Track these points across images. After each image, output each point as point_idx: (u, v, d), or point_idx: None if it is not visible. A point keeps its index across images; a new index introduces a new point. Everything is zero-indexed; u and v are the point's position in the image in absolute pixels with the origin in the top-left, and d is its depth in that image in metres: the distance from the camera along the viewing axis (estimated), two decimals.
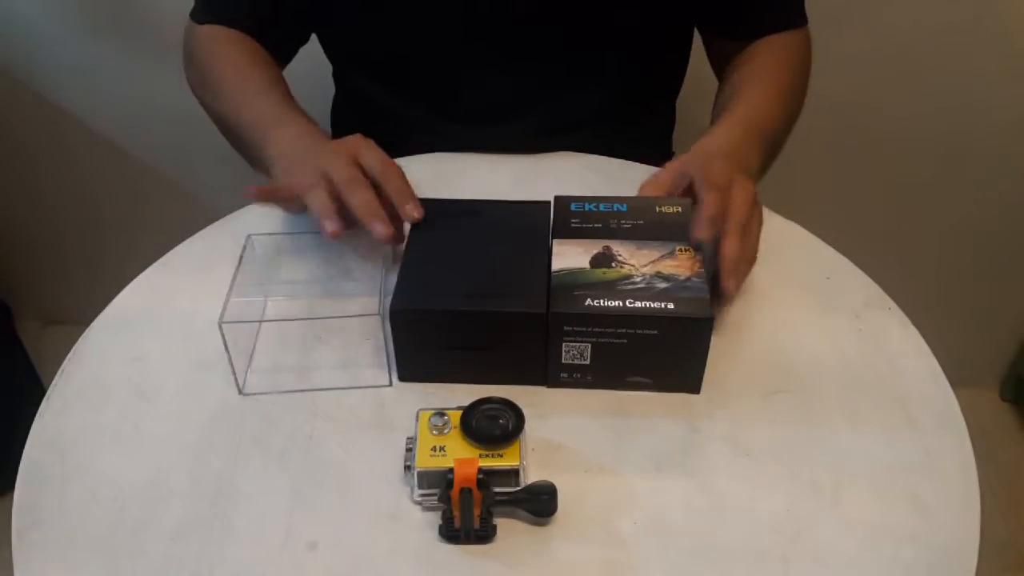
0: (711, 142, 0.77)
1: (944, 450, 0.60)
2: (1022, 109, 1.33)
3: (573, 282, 0.62)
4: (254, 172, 0.82)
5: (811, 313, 0.71)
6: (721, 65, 0.94)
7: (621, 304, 0.60)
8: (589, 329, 0.60)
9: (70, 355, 0.68)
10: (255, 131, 0.79)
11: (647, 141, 0.99)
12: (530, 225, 0.68)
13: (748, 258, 0.67)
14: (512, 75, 0.87)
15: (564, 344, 0.61)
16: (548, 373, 0.63)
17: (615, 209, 0.68)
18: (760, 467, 0.59)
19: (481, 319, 0.61)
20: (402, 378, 0.65)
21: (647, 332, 0.60)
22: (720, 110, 0.85)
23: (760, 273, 0.70)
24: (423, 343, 0.63)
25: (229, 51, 0.88)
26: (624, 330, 0.60)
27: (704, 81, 1.00)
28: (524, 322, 0.61)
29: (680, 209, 0.68)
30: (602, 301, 0.60)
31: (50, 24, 1.32)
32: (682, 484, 0.58)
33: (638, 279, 0.62)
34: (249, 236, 0.69)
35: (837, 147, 1.39)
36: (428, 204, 0.70)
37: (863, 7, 1.25)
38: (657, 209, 0.68)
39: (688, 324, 0.60)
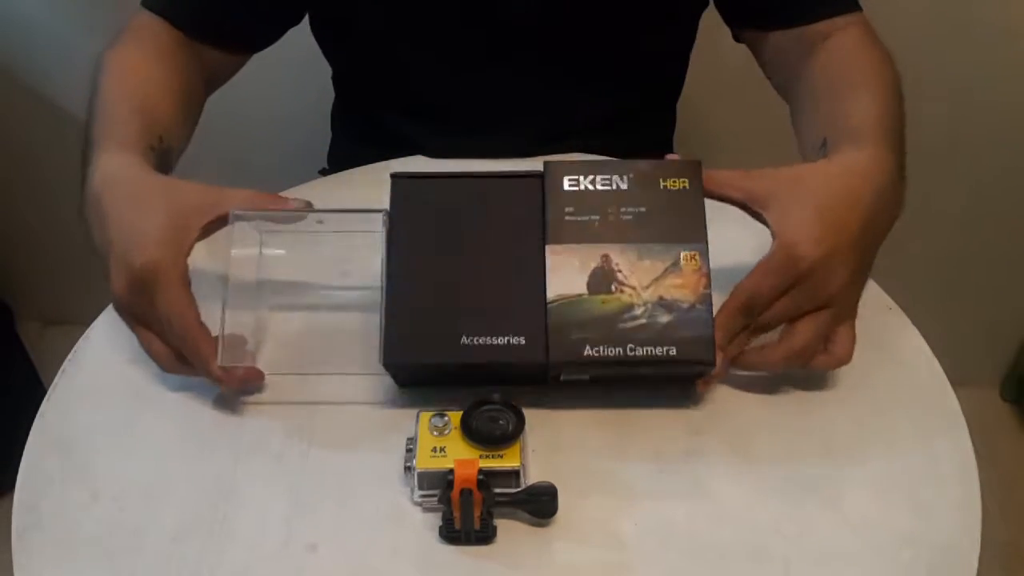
0: (824, 174, 0.62)
1: (944, 450, 0.60)
2: (1022, 108, 1.33)
3: (571, 318, 0.58)
4: (253, 171, 0.82)
5: None
6: (784, 70, 0.83)
7: (621, 352, 0.58)
8: (588, 373, 0.60)
9: (71, 356, 0.68)
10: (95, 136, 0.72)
11: (647, 145, 0.98)
12: (522, 203, 0.62)
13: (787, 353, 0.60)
14: (512, 80, 0.87)
15: (563, 375, 0.61)
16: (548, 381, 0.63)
17: (615, 187, 0.62)
18: (760, 468, 0.59)
19: (480, 369, 0.59)
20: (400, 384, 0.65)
21: (648, 371, 0.60)
22: (825, 128, 0.70)
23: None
24: (420, 380, 0.63)
25: (131, 56, 0.80)
26: (624, 370, 0.59)
27: (704, 83, 1.00)
28: (525, 366, 0.59)
29: (687, 183, 0.61)
30: (601, 349, 0.58)
31: (50, 24, 1.32)
32: (683, 485, 0.58)
33: (639, 310, 0.59)
34: (255, 234, 0.69)
35: None
36: (408, 184, 0.63)
37: (865, 6, 1.25)
38: (661, 184, 0.61)
39: (689, 366, 0.59)
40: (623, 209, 0.61)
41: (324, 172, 1.02)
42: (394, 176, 0.63)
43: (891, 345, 0.68)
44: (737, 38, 0.88)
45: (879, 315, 0.70)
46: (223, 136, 1.40)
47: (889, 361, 0.66)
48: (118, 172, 0.68)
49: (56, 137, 1.44)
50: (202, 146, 1.49)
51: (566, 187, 0.62)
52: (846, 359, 0.61)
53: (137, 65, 0.78)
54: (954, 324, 1.23)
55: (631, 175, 0.62)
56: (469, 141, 0.87)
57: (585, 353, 0.58)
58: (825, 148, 0.68)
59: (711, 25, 0.91)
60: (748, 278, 0.59)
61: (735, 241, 0.64)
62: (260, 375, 0.63)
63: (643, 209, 0.61)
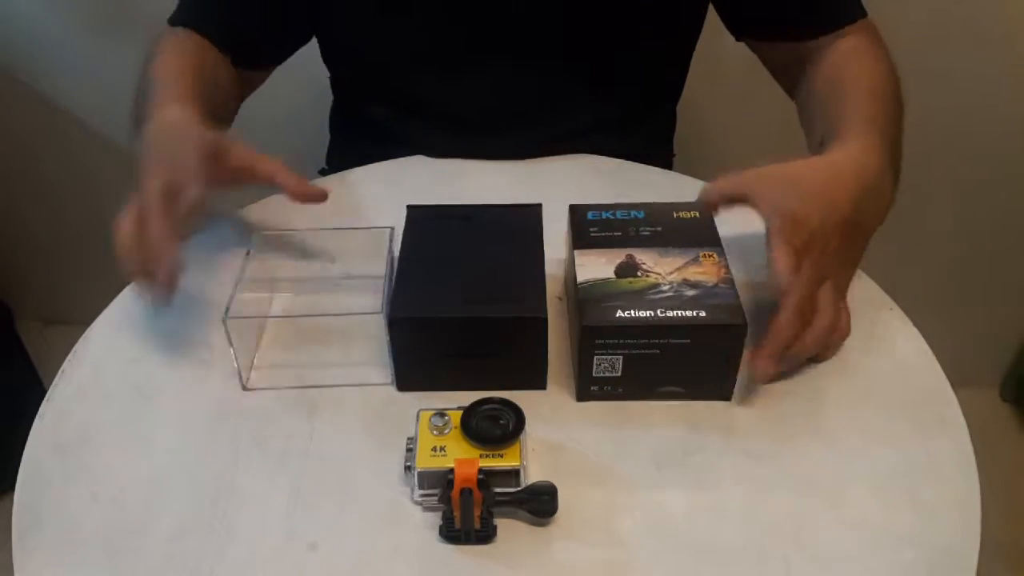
0: (804, 173, 0.66)
1: (945, 450, 0.60)
2: (1022, 108, 1.33)
3: (600, 293, 0.61)
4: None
5: None
6: (788, 74, 0.87)
7: (652, 314, 0.59)
8: (621, 341, 0.60)
9: (70, 355, 0.68)
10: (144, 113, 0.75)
11: (648, 146, 0.98)
12: (522, 227, 0.68)
13: (802, 348, 0.62)
14: (513, 82, 0.87)
15: (596, 357, 0.60)
16: (578, 387, 0.63)
17: (632, 216, 0.68)
18: (761, 467, 0.59)
19: (481, 325, 0.61)
20: (400, 388, 0.64)
21: (680, 341, 0.60)
22: (822, 129, 0.74)
23: (762, 274, 0.70)
24: (422, 351, 0.63)
25: (168, 52, 0.83)
26: (656, 340, 0.59)
27: (704, 84, 1.00)
28: (525, 326, 0.61)
29: (697, 214, 0.68)
30: (633, 312, 0.59)
31: (50, 24, 1.32)
32: (683, 484, 0.58)
33: (666, 287, 0.61)
34: (256, 233, 0.69)
35: None
36: (418, 210, 0.70)
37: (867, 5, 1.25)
38: (675, 215, 0.68)
39: (721, 331, 0.59)
40: (642, 228, 0.66)
41: (324, 172, 1.02)
42: (410, 207, 0.70)
43: (891, 345, 0.68)
44: (738, 38, 0.89)
45: (880, 315, 0.70)
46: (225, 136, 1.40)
47: (889, 361, 0.67)
48: (177, 115, 0.72)
49: (56, 137, 1.45)
50: None
51: (589, 217, 0.68)
52: (848, 333, 0.65)
53: (189, 49, 0.84)
54: (954, 325, 1.23)
55: (647, 210, 0.68)
56: (470, 142, 0.87)
57: (617, 315, 0.59)
58: (823, 146, 0.71)
59: (711, 26, 0.91)
60: (775, 262, 0.60)
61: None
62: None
63: (660, 229, 0.67)
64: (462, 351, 0.62)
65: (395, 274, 0.64)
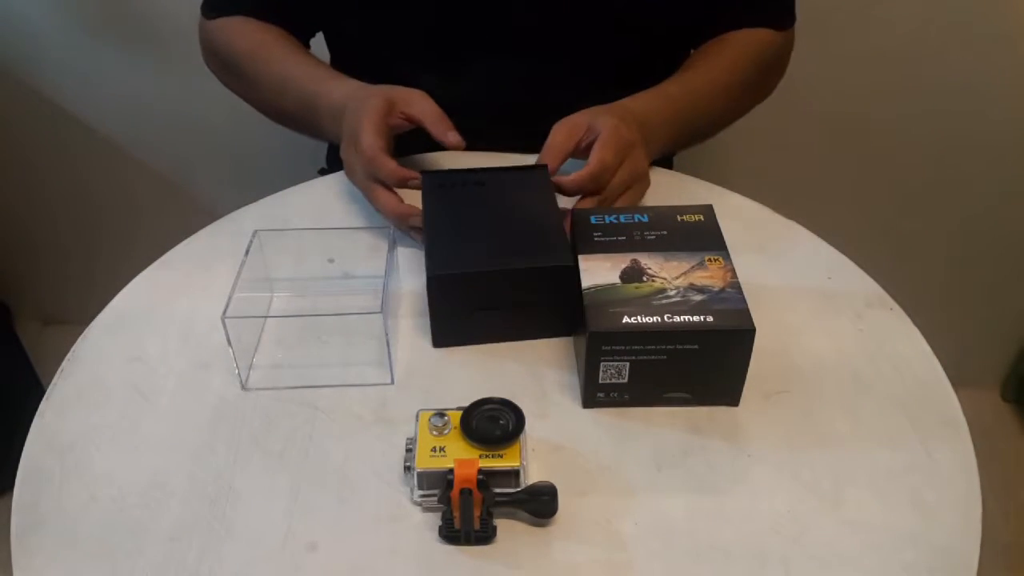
0: (630, 104, 0.80)
1: (945, 451, 0.60)
2: (1022, 109, 1.33)
3: (607, 299, 0.61)
4: (254, 170, 0.82)
5: (812, 313, 0.70)
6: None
7: (659, 320, 0.59)
8: (628, 347, 0.59)
9: (69, 355, 0.68)
10: (306, 86, 0.83)
11: None
12: (533, 187, 0.72)
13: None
14: (513, 82, 0.87)
15: (602, 364, 0.60)
16: (584, 394, 0.62)
17: (636, 220, 0.68)
18: (761, 468, 0.59)
19: (515, 277, 0.64)
20: (436, 344, 0.67)
21: (687, 347, 0.59)
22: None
23: (761, 273, 0.70)
24: (459, 307, 0.65)
25: (244, 30, 0.90)
26: (664, 346, 0.59)
27: None
28: (556, 275, 0.64)
29: (702, 217, 0.68)
30: (639, 317, 0.59)
31: (50, 24, 1.32)
32: (683, 485, 0.58)
33: (672, 292, 0.61)
34: (255, 232, 0.69)
35: (838, 147, 1.39)
36: (433, 176, 0.73)
37: (864, 5, 1.25)
38: (679, 218, 0.68)
39: (730, 336, 0.59)
40: (647, 233, 0.67)
41: (323, 172, 1.02)
42: (424, 174, 0.74)
43: (892, 345, 0.68)
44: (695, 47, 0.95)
45: (880, 315, 0.70)
46: (225, 136, 1.40)
47: (890, 361, 0.66)
48: (353, 90, 0.81)
49: (56, 137, 1.45)
50: (204, 146, 1.50)
51: (592, 221, 0.68)
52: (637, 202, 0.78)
53: (258, 33, 0.91)
54: (955, 325, 1.23)
55: (650, 213, 0.69)
56: (467, 138, 0.87)
57: (624, 321, 0.59)
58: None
59: None
60: (592, 154, 0.73)
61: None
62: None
63: (664, 232, 0.67)
64: (496, 303, 0.65)
65: (425, 236, 0.68)
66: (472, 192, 0.72)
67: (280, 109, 0.88)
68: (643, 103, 0.82)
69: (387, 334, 0.63)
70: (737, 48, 0.90)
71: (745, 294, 0.61)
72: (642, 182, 0.78)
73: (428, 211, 0.70)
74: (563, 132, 0.76)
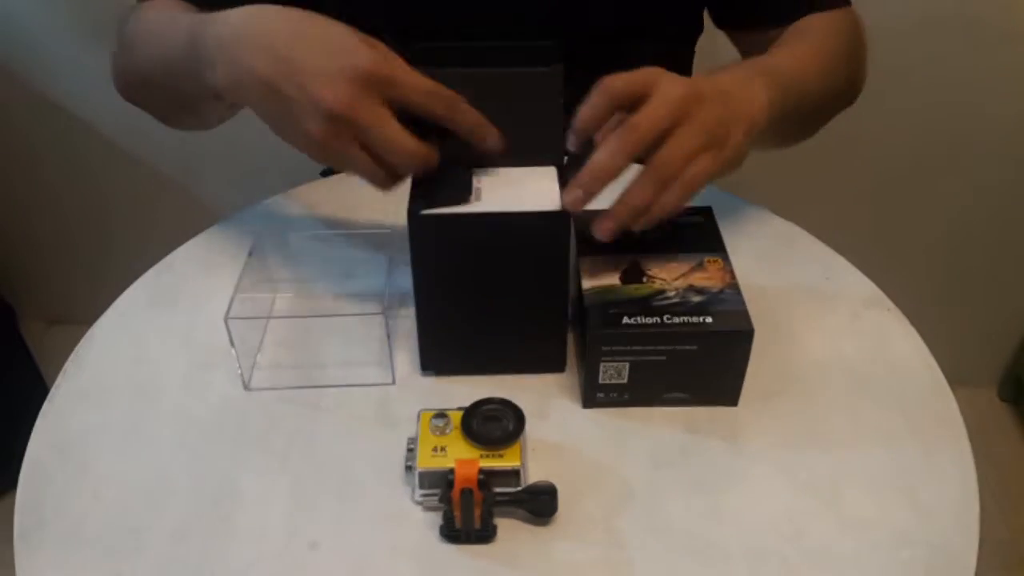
0: (720, 70, 0.65)
1: (942, 450, 0.60)
2: (1022, 108, 1.33)
3: (606, 300, 0.61)
4: (256, 172, 0.82)
5: (810, 314, 0.71)
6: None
7: (659, 321, 0.59)
8: (628, 348, 0.60)
9: (73, 355, 0.68)
10: (193, 17, 0.65)
11: None
12: (537, 94, 0.62)
13: (646, 199, 0.58)
14: None
15: (602, 364, 0.60)
16: (584, 395, 0.63)
17: None
18: (759, 467, 0.59)
19: (499, 224, 0.58)
20: (420, 313, 0.62)
21: (686, 348, 0.60)
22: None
23: (760, 274, 0.70)
24: (443, 253, 0.59)
25: (156, 10, 0.75)
26: (663, 347, 0.60)
27: None
28: (545, 223, 0.58)
29: (701, 219, 0.68)
30: (639, 319, 0.59)
31: (50, 24, 1.32)
32: (682, 484, 0.58)
33: (671, 294, 0.61)
34: (258, 233, 0.69)
35: (836, 147, 1.39)
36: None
37: (862, 5, 1.25)
38: (678, 220, 0.66)
39: (728, 337, 0.60)
40: (647, 234, 0.63)
41: (324, 172, 1.02)
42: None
43: (890, 345, 0.68)
44: (719, 25, 0.90)
45: (878, 315, 0.71)
46: (225, 136, 1.40)
47: (888, 361, 0.67)
48: (261, 9, 0.61)
49: (57, 137, 1.45)
50: (204, 147, 1.50)
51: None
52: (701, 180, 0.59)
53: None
54: (952, 325, 1.24)
55: None
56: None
57: (623, 322, 0.59)
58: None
59: (713, 25, 0.91)
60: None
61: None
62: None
63: (664, 234, 0.64)
64: (482, 253, 0.59)
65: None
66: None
67: (165, 62, 0.69)
68: (740, 65, 0.68)
69: (389, 335, 0.63)
70: (811, 30, 0.81)
71: (744, 295, 0.61)
72: (721, 147, 0.59)
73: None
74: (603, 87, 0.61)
